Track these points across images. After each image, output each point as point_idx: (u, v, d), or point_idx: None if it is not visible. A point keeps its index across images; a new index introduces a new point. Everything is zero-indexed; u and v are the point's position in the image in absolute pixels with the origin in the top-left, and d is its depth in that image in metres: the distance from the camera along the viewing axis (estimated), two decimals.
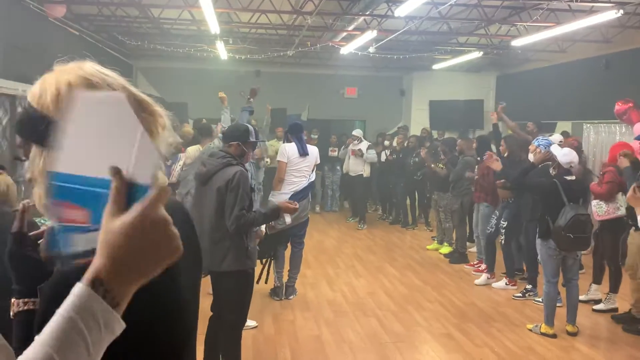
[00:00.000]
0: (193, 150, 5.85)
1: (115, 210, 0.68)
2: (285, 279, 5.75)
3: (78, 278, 0.67)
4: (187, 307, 0.98)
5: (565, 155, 4.76)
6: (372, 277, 6.66)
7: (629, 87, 7.91)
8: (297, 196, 5.32)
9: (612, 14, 6.29)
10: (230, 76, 11.66)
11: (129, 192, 0.71)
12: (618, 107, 7.38)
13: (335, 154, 11.57)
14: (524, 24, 7.75)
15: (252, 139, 3.61)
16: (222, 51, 10.15)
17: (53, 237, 0.73)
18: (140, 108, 0.90)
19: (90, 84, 0.86)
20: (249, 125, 3.71)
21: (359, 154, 9.83)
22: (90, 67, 0.88)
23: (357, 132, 10.20)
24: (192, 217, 1.13)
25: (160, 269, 0.70)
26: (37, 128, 0.83)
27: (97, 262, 0.67)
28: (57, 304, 0.66)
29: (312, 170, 5.79)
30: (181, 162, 5.75)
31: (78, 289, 0.66)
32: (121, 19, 8.79)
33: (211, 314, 3.57)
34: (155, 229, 0.68)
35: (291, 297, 5.72)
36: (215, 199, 3.34)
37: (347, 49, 9.46)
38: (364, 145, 9.96)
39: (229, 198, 3.29)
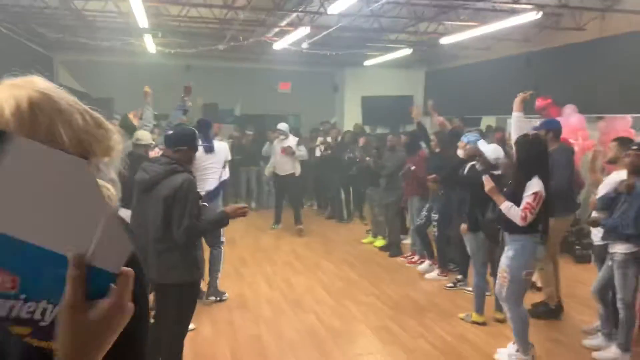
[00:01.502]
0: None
1: (77, 302, 0.67)
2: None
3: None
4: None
5: (492, 151, 4.98)
6: (309, 273, 6.70)
7: (548, 83, 8.37)
8: (209, 195, 5.14)
9: (532, 15, 6.64)
10: (160, 70, 11.30)
11: (88, 275, 0.67)
12: (538, 103, 7.79)
13: None
14: (452, 22, 8.02)
15: (198, 144, 3.49)
16: (150, 45, 9.83)
17: None
18: (96, 124, 0.86)
19: (51, 100, 0.81)
20: (194, 129, 3.58)
21: (289, 151, 8.75)
22: (42, 82, 0.84)
23: (282, 126, 8.95)
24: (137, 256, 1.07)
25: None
26: None
27: (72, 357, 0.68)
28: None
29: (224, 167, 5.61)
30: None
31: None
32: (40, 10, 8.30)
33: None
34: (122, 318, 0.71)
35: (212, 298, 5.45)
36: (162, 208, 3.13)
37: (279, 45, 9.42)
38: (292, 140, 8.91)
39: (177, 208, 3.10)
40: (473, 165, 5.12)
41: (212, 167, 5.39)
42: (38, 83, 0.84)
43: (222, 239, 5.61)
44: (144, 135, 5.16)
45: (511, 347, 4.26)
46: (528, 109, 7.90)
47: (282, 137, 8.88)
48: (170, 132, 3.39)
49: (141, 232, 3.17)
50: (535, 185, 3.98)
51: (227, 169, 5.92)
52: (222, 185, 5.71)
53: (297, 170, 9.03)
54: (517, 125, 4.70)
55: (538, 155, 4.08)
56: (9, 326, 0.68)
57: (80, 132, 0.83)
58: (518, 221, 3.96)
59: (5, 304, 0.66)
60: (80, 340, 0.67)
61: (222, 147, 5.58)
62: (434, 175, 6.06)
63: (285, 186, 9.11)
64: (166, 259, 3.18)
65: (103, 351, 0.70)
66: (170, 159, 3.26)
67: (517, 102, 4.77)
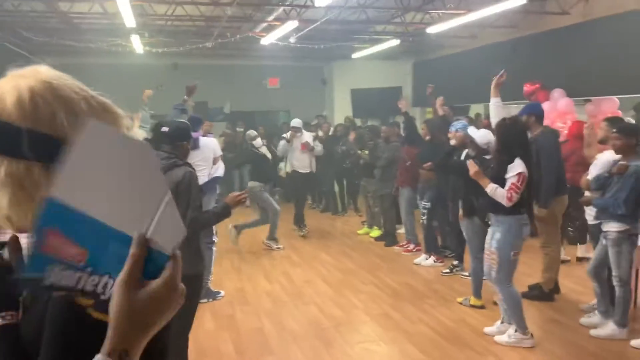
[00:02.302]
0: None
1: (132, 280, 0.70)
2: None
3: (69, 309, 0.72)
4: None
5: (482, 136, 5.04)
6: (307, 266, 6.74)
7: (535, 69, 8.45)
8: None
9: (518, 1, 6.69)
10: (147, 70, 11.29)
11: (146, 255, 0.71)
12: (526, 88, 7.88)
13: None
14: (438, 11, 8.06)
15: (194, 131, 3.54)
16: (137, 45, 9.80)
17: (33, 260, 0.70)
18: (103, 109, 0.87)
19: (53, 88, 0.82)
20: (188, 122, 3.62)
21: (309, 147, 8.49)
22: (48, 71, 0.85)
23: (296, 123, 8.62)
24: None
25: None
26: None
27: (120, 333, 0.70)
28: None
29: (214, 164, 5.57)
30: None
31: None
32: (25, 14, 8.24)
33: None
34: (175, 300, 0.74)
35: (205, 300, 5.26)
36: None
37: (267, 40, 9.43)
38: (308, 136, 8.74)
39: (180, 201, 3.11)
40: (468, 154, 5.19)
41: (198, 164, 5.30)
42: (43, 72, 0.84)
43: (214, 238, 5.57)
44: (139, 136, 5.16)
45: (509, 328, 4.34)
46: (517, 94, 8.04)
47: (299, 134, 8.58)
48: (166, 128, 3.40)
49: None
50: (518, 167, 4.06)
51: (220, 166, 5.86)
52: (214, 181, 5.66)
53: (314, 167, 8.80)
54: (496, 111, 4.84)
55: (518, 137, 4.16)
56: (75, 296, 0.72)
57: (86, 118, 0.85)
58: (504, 202, 4.03)
59: (74, 275, 0.71)
60: (128, 317, 0.70)
61: (208, 143, 5.52)
62: (429, 163, 6.12)
63: (305, 182, 8.72)
64: None
65: (151, 331, 0.72)
66: (169, 153, 3.29)
67: (492, 88, 4.91)
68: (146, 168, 0.72)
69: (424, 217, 6.60)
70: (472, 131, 5.14)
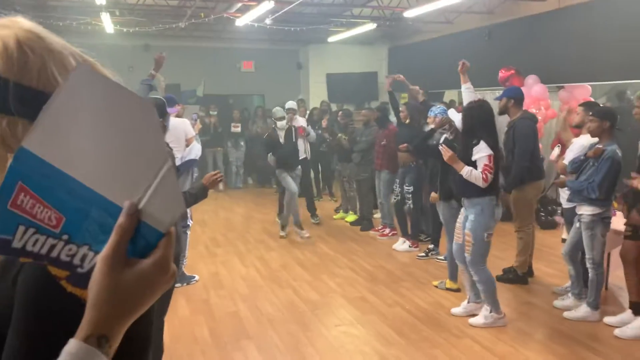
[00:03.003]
0: None
1: (117, 255, 0.61)
2: None
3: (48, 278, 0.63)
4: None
5: (461, 120, 5.03)
6: (283, 250, 6.69)
7: (510, 55, 8.50)
8: None
9: None
10: (118, 51, 10.96)
11: (135, 230, 0.62)
12: (501, 74, 7.92)
13: (238, 129, 11.38)
14: None
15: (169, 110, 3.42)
16: (107, 24, 9.49)
17: (0, 217, 0.60)
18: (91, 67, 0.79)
19: (41, 38, 0.73)
20: (163, 99, 3.48)
21: (307, 132, 7.90)
22: (28, 22, 0.76)
23: (291, 104, 7.89)
24: None
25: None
26: None
27: (100, 316, 0.61)
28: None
29: (187, 146, 5.36)
30: None
31: (83, 350, 0.59)
32: None
33: None
34: (164, 282, 0.64)
35: (179, 285, 5.19)
36: None
37: (242, 21, 9.25)
38: (302, 121, 8.20)
39: None
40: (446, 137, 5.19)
41: (171, 147, 5.17)
42: (24, 22, 0.76)
43: (189, 222, 5.40)
44: None
45: (479, 309, 4.40)
46: (492, 81, 8.08)
47: (296, 117, 7.89)
48: None
49: None
50: (484, 149, 4.09)
51: (194, 147, 5.61)
52: (189, 164, 5.48)
53: (309, 154, 8.18)
54: (468, 96, 4.98)
55: (482, 119, 4.18)
56: (47, 265, 0.63)
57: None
58: (480, 183, 4.06)
59: (46, 241, 0.62)
60: (111, 298, 0.61)
61: (178, 124, 5.26)
62: (405, 145, 6.10)
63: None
64: None
65: (134, 314, 0.63)
66: None
67: (461, 75, 5.09)
68: (145, 128, 0.61)
69: (409, 202, 6.51)
70: (452, 114, 5.14)
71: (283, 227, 7.37)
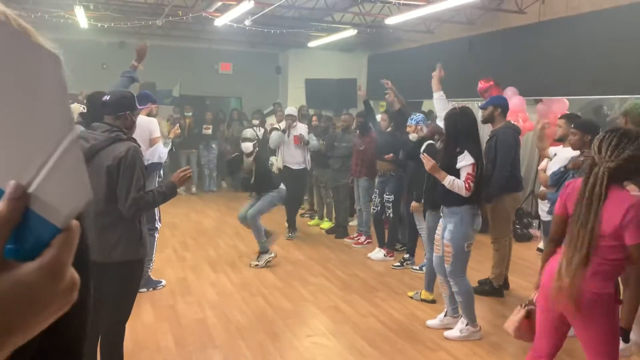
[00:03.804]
0: None
1: None
2: None
3: None
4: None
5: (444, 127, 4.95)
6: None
7: (490, 66, 8.50)
8: None
9: None
10: (92, 48, 10.69)
11: (22, 222, 0.44)
12: (481, 85, 7.89)
13: (209, 131, 11.15)
14: (397, 1, 7.95)
15: (139, 106, 3.21)
16: (81, 18, 9.20)
17: None
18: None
19: None
20: (132, 92, 3.27)
21: (303, 141, 7.41)
22: None
23: (291, 111, 7.70)
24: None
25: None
26: None
27: None
28: None
29: (153, 147, 4.97)
30: None
31: None
32: None
33: None
34: (58, 295, 0.46)
35: (144, 289, 4.96)
36: (105, 179, 2.83)
37: (221, 21, 9.07)
38: (302, 128, 7.65)
39: (122, 179, 2.82)
40: (431, 144, 5.09)
41: None
42: None
43: (157, 224, 5.15)
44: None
45: (455, 322, 4.31)
46: (470, 92, 8.06)
47: (294, 124, 7.52)
48: (107, 97, 3.06)
49: None
50: (469, 157, 4.02)
51: (158, 149, 5.10)
52: (152, 168, 5.01)
53: (309, 164, 7.65)
54: (440, 104, 4.91)
55: (467, 128, 4.10)
56: None
57: None
58: (463, 193, 3.97)
59: None
60: (6, 311, 0.43)
61: (141, 123, 4.81)
62: (390, 155, 5.99)
63: (295, 182, 7.46)
64: (108, 235, 2.87)
65: (14, 337, 0.45)
66: (111, 126, 2.96)
67: (433, 82, 4.99)
68: (45, 88, 0.44)
69: (389, 210, 6.37)
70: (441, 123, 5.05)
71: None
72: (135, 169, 2.86)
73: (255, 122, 10.75)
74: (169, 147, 5.39)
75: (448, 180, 4.01)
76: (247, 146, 6.12)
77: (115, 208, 2.86)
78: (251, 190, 6.60)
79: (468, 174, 4.00)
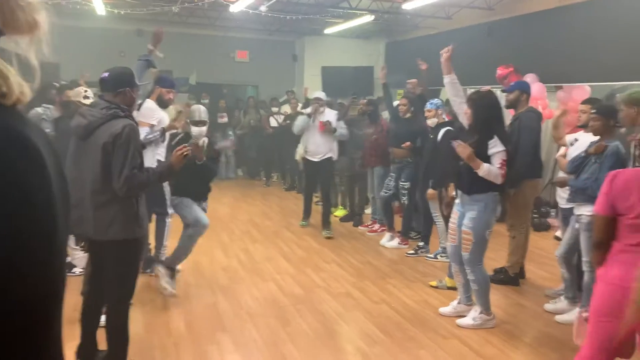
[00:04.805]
0: None
1: None
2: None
3: None
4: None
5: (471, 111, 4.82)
6: (269, 242, 6.48)
7: (509, 52, 8.31)
8: None
9: None
10: (109, 35, 10.72)
11: None
12: (500, 72, 7.71)
13: (225, 120, 11.15)
14: None
15: (138, 83, 3.18)
16: (98, 5, 9.21)
17: None
18: None
19: None
20: (131, 69, 3.22)
21: (329, 128, 6.78)
22: None
23: (321, 95, 7.06)
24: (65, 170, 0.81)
25: None
26: None
27: None
28: None
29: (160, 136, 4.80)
30: None
31: None
32: None
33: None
34: None
35: (150, 271, 4.92)
36: (100, 156, 2.80)
37: (237, 7, 9.01)
38: (331, 115, 6.96)
39: (117, 156, 2.79)
40: (449, 130, 4.97)
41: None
42: None
43: (169, 210, 5.04)
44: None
45: (468, 310, 4.24)
46: (489, 78, 7.90)
47: (322, 109, 6.88)
48: (106, 74, 3.02)
49: (78, 184, 2.86)
50: (499, 144, 3.91)
51: (164, 119, 4.87)
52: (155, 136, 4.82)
53: (335, 153, 7.02)
54: (453, 89, 4.43)
55: (495, 112, 3.98)
56: None
57: None
58: (499, 180, 3.89)
59: None
60: None
61: (146, 109, 4.76)
62: (408, 143, 5.90)
63: (318, 172, 7.04)
64: (104, 213, 2.86)
65: None
66: (110, 102, 2.92)
67: (443, 65, 4.50)
68: None
69: (404, 198, 6.25)
70: None
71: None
72: (130, 146, 2.82)
73: (275, 109, 10.75)
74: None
75: (484, 169, 3.86)
76: (201, 130, 4.80)
77: (111, 186, 2.84)
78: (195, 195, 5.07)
79: (502, 159, 3.88)
